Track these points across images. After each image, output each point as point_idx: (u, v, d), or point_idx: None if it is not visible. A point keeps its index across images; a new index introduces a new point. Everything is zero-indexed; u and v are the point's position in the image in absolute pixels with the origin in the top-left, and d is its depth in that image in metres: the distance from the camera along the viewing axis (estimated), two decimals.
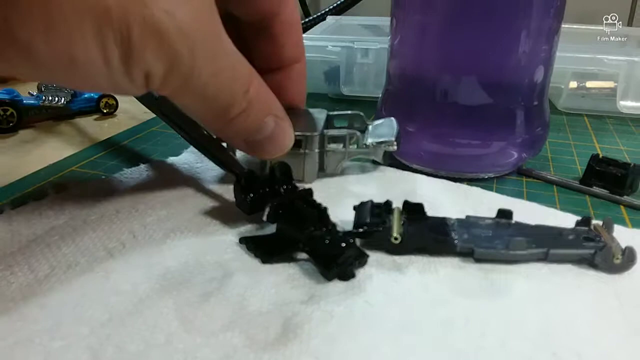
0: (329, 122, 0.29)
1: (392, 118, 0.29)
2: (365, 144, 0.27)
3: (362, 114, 0.29)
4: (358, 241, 0.22)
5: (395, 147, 0.27)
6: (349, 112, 0.30)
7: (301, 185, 0.25)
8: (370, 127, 0.29)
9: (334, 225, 0.22)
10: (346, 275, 0.20)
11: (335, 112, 0.29)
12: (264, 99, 0.21)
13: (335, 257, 0.19)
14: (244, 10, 0.24)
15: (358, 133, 0.27)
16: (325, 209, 0.22)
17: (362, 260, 0.20)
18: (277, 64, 0.25)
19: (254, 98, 0.20)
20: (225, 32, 0.18)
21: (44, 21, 0.15)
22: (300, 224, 0.21)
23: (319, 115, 0.29)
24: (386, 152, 0.28)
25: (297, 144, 0.26)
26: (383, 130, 0.28)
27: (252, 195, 0.23)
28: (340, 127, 0.29)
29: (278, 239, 0.22)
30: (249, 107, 0.20)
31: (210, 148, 0.27)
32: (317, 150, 0.27)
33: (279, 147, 0.23)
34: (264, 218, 0.22)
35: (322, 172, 0.28)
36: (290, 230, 0.21)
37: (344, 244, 0.20)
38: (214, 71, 0.18)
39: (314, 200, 0.23)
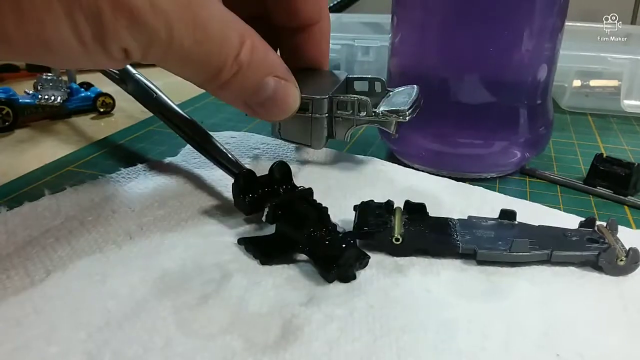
0: (348, 85, 0.28)
1: (415, 86, 0.27)
2: (375, 112, 0.25)
3: (383, 79, 0.27)
4: (359, 242, 0.22)
5: (407, 119, 0.25)
6: (370, 76, 0.28)
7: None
8: (390, 94, 0.27)
9: (334, 225, 0.21)
10: (347, 277, 0.19)
11: (356, 76, 0.28)
12: (261, 59, 0.20)
13: (335, 258, 0.19)
14: None
15: (368, 100, 0.25)
16: (325, 209, 0.21)
17: (363, 261, 0.20)
18: (297, 24, 0.25)
19: (248, 60, 0.19)
20: None
21: (11, 6, 0.15)
22: (299, 225, 0.21)
23: (338, 77, 0.27)
24: (396, 123, 0.26)
25: (304, 106, 0.25)
26: (400, 98, 0.26)
27: (250, 195, 0.23)
28: (358, 92, 0.27)
29: (277, 240, 0.21)
30: (242, 69, 0.19)
31: (208, 147, 0.27)
32: (325, 115, 0.26)
33: (281, 108, 0.22)
34: (263, 219, 0.22)
35: (332, 138, 0.27)
36: (289, 231, 0.21)
37: (344, 245, 0.20)
38: (197, 39, 0.18)
39: (314, 201, 0.22)
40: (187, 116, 0.28)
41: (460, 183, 0.28)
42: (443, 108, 0.29)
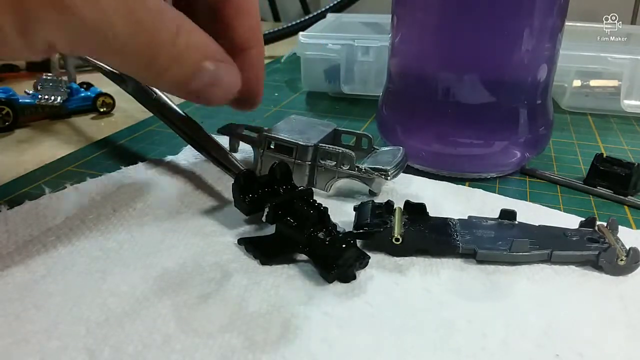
0: (336, 137, 0.28)
1: (401, 147, 0.27)
2: (358, 167, 0.25)
3: (370, 135, 0.28)
4: (359, 242, 0.22)
5: (389, 178, 0.25)
6: (358, 131, 0.28)
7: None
8: (376, 152, 0.28)
9: (334, 225, 0.21)
10: (347, 277, 0.19)
11: (343, 129, 0.28)
12: (197, 43, 0.20)
13: (335, 258, 0.19)
14: None
15: (352, 154, 0.25)
16: (325, 209, 0.21)
17: (363, 261, 0.20)
18: (230, 48, 0.24)
19: (185, 46, 0.19)
20: None
21: None
22: (299, 225, 0.21)
23: (325, 127, 0.28)
24: (378, 181, 0.26)
25: (289, 151, 0.26)
26: (385, 157, 0.26)
27: (250, 195, 0.23)
28: (345, 145, 0.28)
29: (277, 240, 0.21)
30: (179, 56, 0.19)
31: (208, 147, 0.27)
32: (308, 163, 0.26)
33: (223, 90, 0.21)
34: (263, 219, 0.22)
35: (312, 186, 0.26)
36: (289, 231, 0.21)
37: (344, 245, 0.20)
38: (132, 31, 0.17)
39: (314, 201, 0.22)
40: (187, 116, 0.28)
41: (460, 186, 0.28)
42: (443, 108, 0.29)
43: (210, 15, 0.23)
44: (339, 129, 0.28)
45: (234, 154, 0.28)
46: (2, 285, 0.19)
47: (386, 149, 0.28)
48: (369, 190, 0.26)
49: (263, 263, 0.20)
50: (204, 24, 0.24)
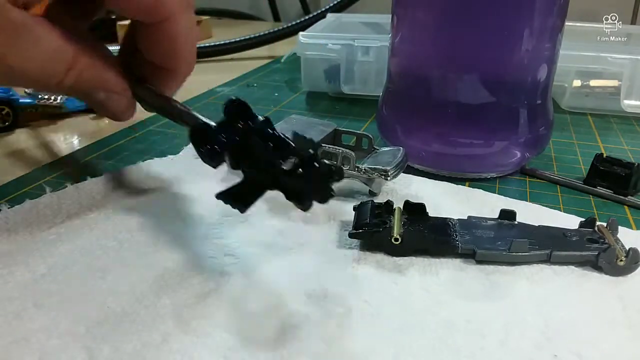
0: (336, 137, 0.28)
1: (401, 148, 0.27)
2: (358, 167, 0.25)
3: (371, 136, 0.28)
4: (358, 242, 0.22)
5: (389, 179, 0.25)
6: (358, 131, 0.28)
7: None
8: (376, 152, 0.27)
9: (293, 148, 0.19)
10: (325, 197, 0.18)
11: (344, 129, 0.28)
12: (91, 78, 0.22)
13: (304, 189, 0.17)
14: (120, 6, 0.23)
15: (352, 154, 0.25)
16: (280, 137, 0.19)
17: (335, 175, 0.18)
18: (153, 63, 0.25)
19: (71, 84, 0.22)
20: (39, 20, 0.20)
21: None
22: (260, 164, 0.19)
23: (325, 127, 0.27)
24: (378, 181, 0.26)
25: None
26: (385, 158, 0.26)
27: (209, 146, 0.20)
28: (345, 146, 0.27)
29: (248, 184, 0.19)
30: (68, 88, 0.22)
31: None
32: None
33: (110, 114, 0.24)
34: (228, 169, 0.20)
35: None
36: (253, 174, 0.19)
37: (308, 170, 0.17)
38: (23, 60, 0.20)
39: (271, 131, 0.20)
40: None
41: (459, 186, 0.28)
42: (443, 108, 0.29)
43: (143, 31, 0.24)
44: (339, 129, 0.28)
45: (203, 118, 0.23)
46: (2, 284, 0.19)
47: (386, 149, 0.28)
48: (369, 190, 0.26)
49: (241, 211, 0.18)
50: (138, 35, 0.24)
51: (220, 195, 0.19)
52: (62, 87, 0.22)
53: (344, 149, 0.25)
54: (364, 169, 0.25)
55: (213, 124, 0.21)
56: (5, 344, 0.16)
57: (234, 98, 0.21)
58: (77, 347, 0.16)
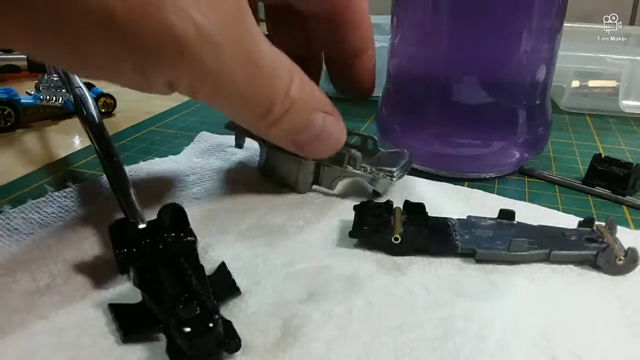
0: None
1: (406, 150, 0.27)
2: (364, 167, 0.26)
3: (376, 137, 0.28)
4: (358, 241, 0.22)
5: (395, 180, 0.25)
6: (364, 133, 0.28)
7: (287, 199, 0.23)
8: (381, 153, 0.28)
9: (202, 300, 0.16)
10: None
11: (349, 129, 0.27)
12: (309, 95, 0.20)
13: (186, 347, 0.15)
14: (311, 4, 0.23)
15: (359, 154, 0.26)
16: (199, 273, 0.17)
17: (229, 347, 0.16)
18: (346, 55, 0.25)
19: (297, 96, 0.19)
20: (259, 31, 0.17)
21: (49, 16, 0.13)
22: (163, 296, 0.17)
23: None
24: (384, 181, 0.26)
25: None
26: (391, 159, 0.27)
27: (125, 250, 0.18)
28: (350, 145, 0.27)
29: (143, 310, 0.17)
30: (292, 107, 0.19)
31: (114, 181, 0.23)
32: (313, 161, 0.26)
33: (330, 144, 0.22)
34: (131, 282, 0.18)
35: (317, 184, 0.27)
36: (148, 302, 0.17)
37: (198, 331, 0.15)
38: (248, 75, 0.17)
39: (192, 261, 0.18)
40: (110, 146, 0.24)
41: (459, 187, 0.28)
42: (442, 108, 0.29)
43: (325, 24, 0.23)
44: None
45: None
46: (7, 293, 0.18)
47: (391, 151, 0.28)
48: (373, 190, 0.26)
49: (123, 341, 0.16)
50: (319, 30, 0.24)
51: (111, 308, 0.18)
52: (287, 104, 0.18)
53: (351, 149, 0.26)
54: (370, 169, 0.25)
55: (142, 224, 0.19)
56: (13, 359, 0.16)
57: (174, 204, 0.19)
58: (84, 359, 0.16)
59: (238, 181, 0.28)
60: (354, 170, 0.26)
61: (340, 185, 0.27)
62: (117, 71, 0.15)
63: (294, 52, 0.21)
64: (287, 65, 0.19)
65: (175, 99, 0.43)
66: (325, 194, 0.27)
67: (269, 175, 0.27)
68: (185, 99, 0.44)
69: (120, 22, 0.14)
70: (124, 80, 0.16)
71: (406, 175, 0.28)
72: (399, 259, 0.21)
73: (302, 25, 0.25)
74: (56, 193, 0.25)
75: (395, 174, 0.25)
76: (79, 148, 0.33)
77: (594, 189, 0.28)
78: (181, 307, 0.16)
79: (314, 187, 0.27)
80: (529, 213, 0.24)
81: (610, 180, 0.28)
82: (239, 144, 0.29)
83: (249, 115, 0.19)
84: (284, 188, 0.27)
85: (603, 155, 0.29)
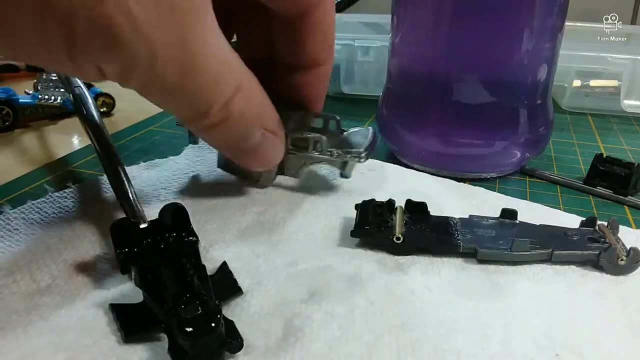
0: (304, 121, 0.26)
1: (370, 128, 0.26)
2: (330, 151, 0.24)
3: (338, 117, 0.26)
4: (359, 240, 0.22)
5: (362, 160, 0.24)
6: (325, 113, 0.26)
7: (252, 194, 0.23)
8: (345, 134, 0.26)
9: (204, 300, 0.16)
10: None
11: (309, 112, 0.26)
12: (253, 110, 0.19)
13: (188, 347, 0.15)
14: (278, 1, 0.22)
15: (323, 138, 0.24)
16: (201, 273, 0.17)
17: (230, 346, 0.16)
18: (302, 63, 0.24)
19: (238, 109, 0.18)
20: (213, 34, 0.17)
21: None
22: (164, 296, 0.17)
23: (291, 112, 0.25)
24: (351, 164, 0.25)
25: None
26: (355, 139, 0.25)
27: (126, 250, 0.18)
28: (312, 129, 0.26)
29: (144, 311, 0.17)
30: (230, 118, 0.18)
31: (114, 182, 0.23)
32: None
33: (262, 161, 0.21)
34: (132, 282, 0.18)
35: (282, 174, 0.26)
36: (151, 302, 0.17)
37: (200, 331, 0.15)
38: (182, 77, 0.16)
39: (195, 259, 0.18)
40: (110, 145, 0.24)
41: (461, 184, 0.28)
42: (443, 108, 0.29)
43: (287, 27, 0.23)
44: (305, 112, 0.26)
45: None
46: (8, 295, 0.18)
47: (355, 130, 0.26)
48: (341, 173, 0.25)
49: (125, 341, 0.16)
50: (278, 33, 0.23)
51: (112, 308, 0.18)
52: (225, 114, 0.18)
53: (314, 134, 0.25)
54: (337, 153, 0.24)
55: (143, 224, 0.19)
56: None
57: (176, 203, 0.19)
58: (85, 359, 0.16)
59: (238, 180, 0.28)
60: (320, 156, 0.24)
61: (310, 168, 0.26)
62: (46, 52, 0.15)
63: (254, 55, 0.20)
64: (236, 75, 0.18)
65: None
66: (326, 191, 0.26)
67: (230, 168, 0.26)
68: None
69: (54, 4, 0.14)
70: (54, 63, 0.15)
71: (407, 173, 0.28)
72: (401, 259, 0.21)
73: (267, 26, 0.24)
74: (56, 193, 0.25)
75: (362, 155, 0.24)
76: (78, 148, 0.33)
77: (596, 189, 0.28)
78: (183, 307, 0.16)
79: (312, 183, 0.26)
80: (531, 212, 0.24)
81: (611, 180, 0.28)
82: (194, 140, 0.27)
83: (180, 115, 0.18)
84: (247, 182, 0.25)
85: (605, 155, 0.29)
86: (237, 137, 0.19)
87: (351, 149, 0.24)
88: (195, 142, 0.27)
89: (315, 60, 0.23)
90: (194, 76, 0.16)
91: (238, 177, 0.26)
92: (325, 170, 0.27)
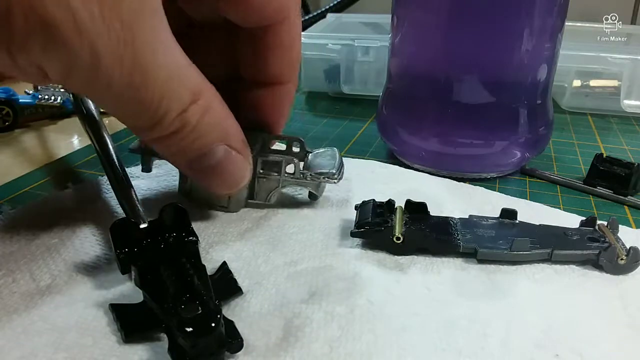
0: (265, 144, 0.25)
1: (335, 148, 0.26)
2: (303, 174, 0.24)
3: (302, 139, 0.26)
4: (361, 241, 0.22)
5: (336, 181, 0.24)
6: (289, 135, 0.26)
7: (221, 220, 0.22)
8: (310, 156, 0.26)
9: (204, 300, 0.16)
10: None
11: (273, 135, 0.25)
12: (215, 123, 0.18)
13: (188, 347, 0.15)
14: (241, 13, 0.20)
15: (296, 160, 0.24)
16: (201, 275, 0.17)
17: (231, 346, 0.16)
18: (264, 80, 0.23)
19: (195, 120, 0.17)
20: (166, 40, 0.16)
21: None
22: (164, 296, 0.16)
23: (255, 135, 0.24)
24: (323, 185, 0.25)
25: None
26: (323, 160, 0.25)
27: (126, 250, 0.18)
28: (275, 151, 0.25)
29: (144, 310, 0.17)
30: (186, 129, 0.17)
31: (117, 186, 0.22)
32: None
33: (226, 182, 0.20)
34: (132, 282, 0.18)
35: (252, 200, 0.25)
36: (151, 302, 0.17)
37: (201, 331, 0.15)
38: (129, 82, 0.15)
39: (194, 260, 0.18)
40: (110, 145, 0.24)
41: (461, 183, 0.28)
42: (443, 108, 0.29)
43: (250, 41, 0.22)
44: (267, 135, 0.25)
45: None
46: (8, 294, 0.18)
47: (320, 150, 0.26)
48: (310, 195, 0.25)
49: (125, 341, 0.16)
50: (242, 47, 0.22)
51: (112, 308, 0.18)
52: (180, 122, 0.17)
53: (286, 156, 0.24)
54: (310, 175, 0.24)
55: (143, 224, 0.19)
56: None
57: (175, 204, 0.19)
58: (84, 359, 0.16)
59: None
60: (293, 179, 0.24)
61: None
62: None
63: (217, 72, 0.19)
64: (193, 83, 0.17)
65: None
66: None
67: (194, 196, 0.25)
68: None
69: None
70: (2, 65, 0.15)
71: (408, 173, 0.28)
72: (401, 259, 0.21)
73: (227, 42, 0.23)
74: (56, 193, 0.25)
75: (335, 176, 0.24)
76: (78, 148, 0.33)
77: (596, 189, 0.28)
78: (183, 307, 0.16)
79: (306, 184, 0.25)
80: (531, 212, 0.24)
81: (611, 180, 0.28)
82: (147, 168, 0.25)
83: (132, 122, 0.17)
84: (214, 209, 0.24)
85: (605, 155, 0.29)
86: (196, 151, 0.18)
87: (322, 170, 0.24)
88: (149, 170, 0.25)
89: (278, 77, 0.22)
90: (144, 78, 0.15)
91: (203, 204, 0.24)
92: (292, 191, 0.26)
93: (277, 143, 0.26)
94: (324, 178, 0.24)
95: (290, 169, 0.24)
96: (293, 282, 0.19)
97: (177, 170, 0.24)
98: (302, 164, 0.25)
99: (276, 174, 0.24)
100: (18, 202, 0.24)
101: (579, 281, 0.20)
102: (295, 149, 0.26)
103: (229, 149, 0.18)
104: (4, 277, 0.19)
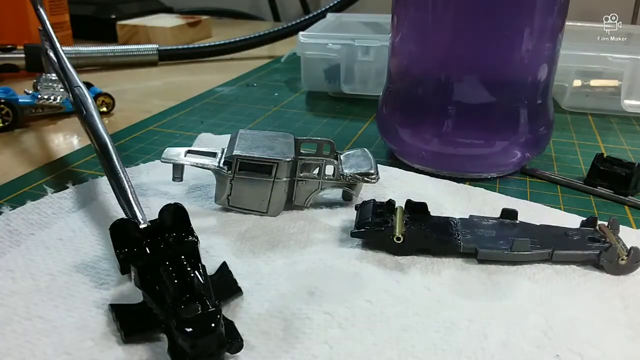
0: (296, 148, 0.25)
1: (365, 149, 0.26)
2: (343, 175, 0.24)
3: (332, 141, 0.25)
4: (361, 241, 0.22)
5: (374, 181, 0.24)
6: (319, 138, 0.26)
7: (238, 227, 0.22)
8: (342, 157, 0.26)
9: (204, 300, 0.16)
10: None
11: (303, 138, 0.26)
12: None
13: (188, 347, 0.15)
14: None
15: (335, 162, 0.24)
16: (201, 275, 0.17)
17: (231, 347, 0.16)
18: None
19: None
20: None
21: None
22: (164, 296, 0.17)
23: (286, 139, 0.25)
24: (359, 186, 0.25)
25: (267, 170, 0.23)
26: (357, 160, 0.25)
27: (126, 250, 0.18)
28: (308, 154, 0.25)
29: (143, 310, 0.17)
30: None
31: (114, 183, 0.22)
32: (286, 179, 0.24)
33: None
34: (132, 282, 0.18)
35: (290, 203, 0.25)
36: (151, 302, 0.17)
37: (200, 331, 0.15)
38: None
39: (195, 261, 0.18)
40: (110, 145, 0.24)
41: (461, 185, 0.28)
42: (443, 108, 0.29)
43: None
44: (299, 138, 0.26)
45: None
46: (8, 295, 0.18)
47: (351, 152, 0.26)
48: (344, 194, 0.25)
49: (125, 341, 0.16)
50: None
51: (112, 308, 0.18)
52: None
53: (325, 158, 0.24)
54: (350, 176, 0.24)
55: (143, 224, 0.19)
56: None
57: (177, 204, 0.19)
58: None
59: None
60: (333, 180, 0.24)
61: (312, 201, 0.25)
62: None
63: None
64: None
65: (174, 99, 0.43)
66: (325, 194, 0.26)
67: (233, 204, 0.24)
68: (184, 98, 0.43)
69: None
70: None
71: (408, 174, 0.28)
72: (401, 259, 0.21)
73: None
74: (56, 193, 0.25)
75: (375, 176, 0.24)
76: (77, 147, 0.33)
77: (596, 189, 0.28)
78: (183, 307, 0.16)
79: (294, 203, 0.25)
80: (532, 212, 0.24)
81: (612, 180, 0.28)
82: (179, 178, 0.24)
83: None
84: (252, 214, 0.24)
85: (605, 155, 0.29)
86: None
87: (361, 170, 0.24)
88: (180, 179, 0.25)
89: None
90: None
91: (243, 211, 0.24)
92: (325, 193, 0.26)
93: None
94: (363, 178, 0.24)
95: (328, 170, 0.24)
96: (293, 283, 0.19)
97: (181, 177, 0.25)
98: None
99: (316, 177, 0.24)
100: (17, 202, 0.24)
101: (580, 281, 0.20)
102: (325, 152, 0.26)
103: None
104: (4, 277, 0.19)
